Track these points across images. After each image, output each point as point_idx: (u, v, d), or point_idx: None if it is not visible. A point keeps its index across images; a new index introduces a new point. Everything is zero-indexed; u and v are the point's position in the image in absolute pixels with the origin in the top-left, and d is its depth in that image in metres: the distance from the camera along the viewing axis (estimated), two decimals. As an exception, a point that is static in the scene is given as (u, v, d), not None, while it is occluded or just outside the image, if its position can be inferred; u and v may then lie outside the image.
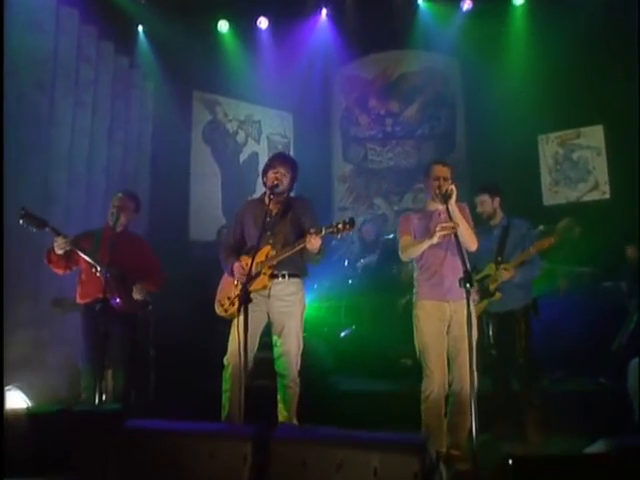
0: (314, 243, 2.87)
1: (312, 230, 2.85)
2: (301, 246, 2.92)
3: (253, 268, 2.88)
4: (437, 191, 2.97)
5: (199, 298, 3.78)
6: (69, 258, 3.37)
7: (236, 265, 3.08)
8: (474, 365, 2.55)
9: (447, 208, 2.85)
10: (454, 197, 2.88)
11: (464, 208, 3.09)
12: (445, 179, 3.04)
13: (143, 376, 3.52)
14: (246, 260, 3.05)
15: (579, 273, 4.69)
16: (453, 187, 2.90)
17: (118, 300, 3.32)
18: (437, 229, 2.81)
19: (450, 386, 2.94)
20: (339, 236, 2.83)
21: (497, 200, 3.72)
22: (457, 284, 2.56)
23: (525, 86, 5.91)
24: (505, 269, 3.50)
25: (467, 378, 2.67)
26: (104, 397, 3.11)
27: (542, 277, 3.72)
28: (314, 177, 6.58)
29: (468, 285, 2.46)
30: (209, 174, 6.48)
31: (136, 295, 3.36)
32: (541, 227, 4.53)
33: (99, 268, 3.24)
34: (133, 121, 5.88)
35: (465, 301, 2.54)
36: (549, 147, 6.41)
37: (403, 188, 7.10)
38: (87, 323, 3.10)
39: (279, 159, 3.25)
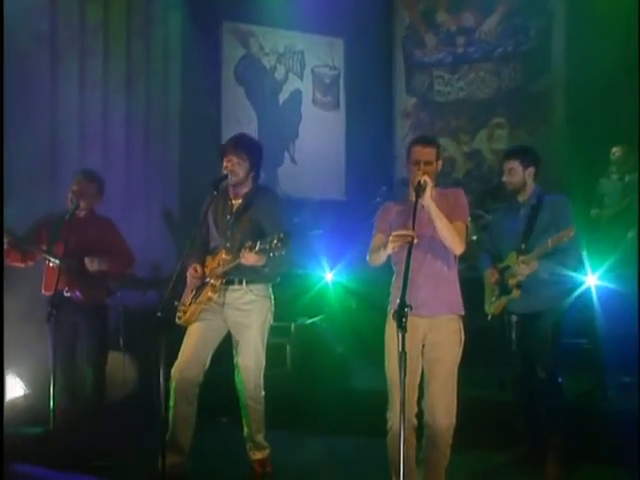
0: (248, 258, 2.70)
1: (247, 244, 2.70)
2: (236, 262, 2.77)
3: (206, 275, 2.84)
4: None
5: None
6: (22, 249, 3.26)
7: (189, 271, 2.93)
8: (452, 394, 2.47)
9: (421, 205, 2.45)
10: (429, 190, 2.45)
11: (458, 196, 2.67)
12: (427, 163, 2.58)
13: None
14: (201, 265, 2.93)
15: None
16: (427, 178, 2.46)
17: (78, 293, 3.23)
18: (390, 238, 2.43)
19: (422, 417, 2.63)
20: (272, 254, 2.61)
21: (531, 170, 3.15)
22: (437, 296, 2.41)
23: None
24: (523, 262, 3.02)
25: (442, 409, 2.53)
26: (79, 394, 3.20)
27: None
28: (372, 114, 6.27)
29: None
30: (243, 120, 6.14)
31: (90, 267, 3.24)
32: None
33: (52, 260, 3.14)
34: (156, 64, 5.46)
35: (446, 318, 2.41)
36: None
37: (476, 124, 6.37)
38: (53, 315, 2.99)
39: (231, 144, 2.95)
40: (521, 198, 3.17)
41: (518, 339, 3.18)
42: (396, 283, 2.65)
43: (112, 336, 3.84)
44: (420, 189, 2.45)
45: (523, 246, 3.05)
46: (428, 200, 2.47)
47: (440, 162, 2.66)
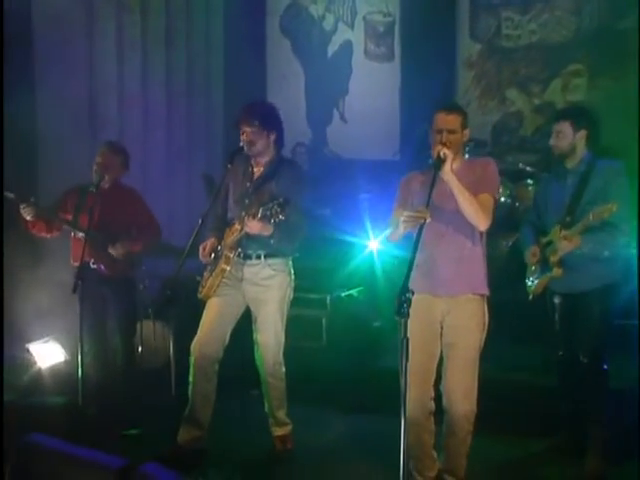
0: (252, 227, 2.69)
1: (250, 212, 2.68)
2: (243, 232, 2.75)
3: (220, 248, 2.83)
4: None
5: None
6: (47, 220, 3.31)
7: (202, 245, 2.91)
8: (472, 379, 2.46)
9: (440, 178, 2.37)
10: (449, 163, 2.36)
11: (487, 166, 2.57)
12: (450, 131, 2.49)
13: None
14: (218, 239, 2.90)
15: None
16: (446, 150, 2.37)
17: (102, 267, 3.29)
18: (402, 218, 2.36)
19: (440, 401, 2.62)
20: (273, 221, 2.57)
21: (582, 134, 2.94)
22: (458, 274, 2.40)
23: None
24: (565, 237, 2.81)
25: (459, 395, 2.50)
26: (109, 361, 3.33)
27: None
28: (431, 65, 5.77)
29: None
30: (290, 76, 5.86)
31: (112, 251, 3.29)
32: None
33: (78, 233, 3.20)
34: (197, 19, 5.30)
35: (467, 298, 2.43)
36: None
37: (549, 73, 5.67)
38: (80, 287, 3.07)
39: (245, 115, 2.85)
40: (569, 164, 2.95)
41: (561, 321, 2.99)
42: (420, 256, 2.47)
43: (147, 305, 3.88)
44: (439, 162, 2.36)
45: (568, 219, 2.84)
46: (448, 173, 2.38)
47: (467, 131, 2.57)
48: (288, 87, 5.86)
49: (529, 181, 4.83)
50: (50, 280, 3.59)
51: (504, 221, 4.23)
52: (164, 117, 5.02)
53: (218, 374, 2.95)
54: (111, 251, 3.28)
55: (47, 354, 3.70)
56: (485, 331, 2.56)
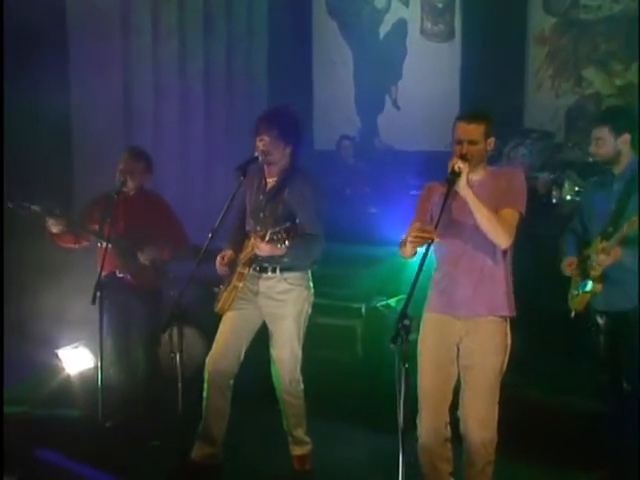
0: (261, 249, 2.65)
1: (259, 232, 2.63)
2: (253, 252, 2.75)
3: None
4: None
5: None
6: (74, 233, 3.34)
7: (220, 255, 2.90)
8: (490, 406, 2.41)
9: (453, 193, 2.33)
10: (464, 178, 2.31)
11: (513, 178, 2.49)
12: (471, 142, 2.40)
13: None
14: (234, 252, 2.90)
15: None
16: (461, 164, 2.30)
17: (128, 276, 3.35)
18: (409, 238, 2.34)
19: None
20: (280, 245, 2.53)
21: (625, 138, 2.81)
22: (477, 294, 2.41)
23: None
24: (604, 250, 2.72)
25: (476, 422, 2.44)
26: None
27: None
28: (497, 43, 5.42)
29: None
30: (338, 61, 5.70)
31: (142, 259, 3.34)
32: None
33: (103, 243, 3.20)
34: (237, 2, 5.12)
35: (486, 320, 2.42)
36: None
37: (634, 49, 5.06)
38: (106, 296, 3.12)
39: (263, 121, 2.80)
40: (616, 170, 2.84)
41: (603, 341, 2.89)
42: (436, 275, 2.57)
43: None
44: (455, 176, 2.29)
45: (610, 229, 2.73)
46: (465, 188, 2.33)
47: (491, 140, 2.49)
48: (336, 73, 5.74)
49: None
50: (81, 286, 3.54)
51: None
52: (202, 110, 4.90)
53: (233, 389, 2.96)
54: (140, 257, 3.30)
55: (76, 360, 3.75)
56: (507, 354, 2.52)
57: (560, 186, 4.19)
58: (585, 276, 2.83)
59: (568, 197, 4.10)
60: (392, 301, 4.05)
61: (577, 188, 4.23)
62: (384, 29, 5.76)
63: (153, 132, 4.56)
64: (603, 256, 2.70)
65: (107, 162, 3.92)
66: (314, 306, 2.98)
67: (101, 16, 4.22)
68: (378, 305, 4.00)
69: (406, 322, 2.02)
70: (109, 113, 4.25)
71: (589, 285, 2.79)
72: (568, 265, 2.87)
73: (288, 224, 2.54)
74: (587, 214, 2.94)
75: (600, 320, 2.86)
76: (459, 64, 5.61)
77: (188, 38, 4.78)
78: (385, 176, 5.09)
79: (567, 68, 5.59)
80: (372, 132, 5.58)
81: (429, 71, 5.62)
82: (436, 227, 2.28)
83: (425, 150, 5.30)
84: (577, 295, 2.88)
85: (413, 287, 2.09)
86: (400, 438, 2.06)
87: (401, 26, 5.72)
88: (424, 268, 2.24)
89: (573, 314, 2.90)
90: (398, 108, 5.75)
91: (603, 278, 2.75)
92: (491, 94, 5.26)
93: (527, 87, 5.64)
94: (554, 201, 4.28)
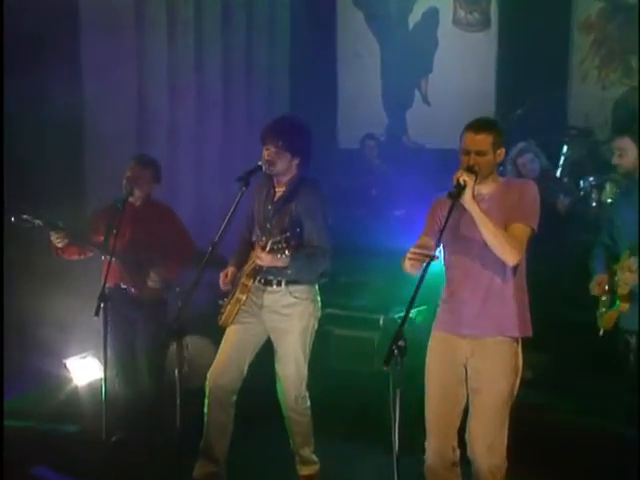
0: (262, 259, 2.64)
1: (260, 242, 2.70)
2: (255, 263, 2.74)
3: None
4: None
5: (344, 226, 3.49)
6: (78, 245, 3.31)
7: (223, 272, 2.90)
8: (497, 431, 2.39)
9: (461, 207, 2.31)
10: (469, 191, 2.27)
11: (525, 190, 2.45)
12: (479, 153, 2.35)
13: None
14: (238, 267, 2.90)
15: None
16: (466, 177, 2.26)
17: (133, 290, 3.33)
18: (408, 255, 2.33)
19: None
20: (280, 256, 2.56)
21: None
22: (484, 313, 2.39)
23: None
24: (629, 268, 2.72)
25: (482, 448, 2.41)
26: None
27: None
28: (536, 32, 5.20)
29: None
30: (363, 54, 5.58)
31: (151, 284, 3.32)
32: None
33: (106, 255, 3.15)
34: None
35: (494, 340, 2.39)
36: None
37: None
38: (110, 308, 3.09)
39: (269, 131, 2.79)
40: None
41: (633, 361, 2.85)
42: (444, 292, 2.54)
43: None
44: (460, 189, 2.24)
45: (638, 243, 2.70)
46: (470, 202, 2.29)
47: (501, 151, 2.42)
48: (361, 66, 5.61)
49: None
50: (89, 294, 3.45)
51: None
52: (220, 107, 4.77)
53: (237, 405, 2.94)
54: (148, 281, 3.28)
55: (84, 370, 3.74)
56: (518, 377, 2.47)
57: (600, 189, 4.06)
58: (613, 293, 2.82)
59: (609, 200, 3.93)
60: (412, 313, 3.93)
61: (617, 190, 4.04)
62: (413, 19, 5.63)
63: (169, 132, 4.46)
64: (628, 274, 2.71)
65: (120, 166, 3.86)
66: (331, 317, 2.95)
67: (114, 11, 4.11)
68: (396, 317, 3.93)
69: (401, 343, 2.01)
70: (122, 113, 4.15)
71: (617, 303, 2.78)
72: (598, 284, 2.85)
73: (288, 234, 2.55)
74: (616, 227, 2.92)
75: (630, 339, 2.84)
76: (495, 55, 5.45)
77: (205, 29, 4.66)
78: (413, 176, 4.90)
79: (614, 57, 5.40)
80: (400, 129, 5.46)
81: (462, 63, 5.47)
82: (438, 244, 2.28)
83: (456, 149, 5.15)
84: (605, 312, 2.87)
85: (409, 308, 2.10)
86: (395, 461, 2.06)
87: (432, 15, 5.56)
88: (436, 284, 2.24)
89: (602, 332, 2.89)
90: (428, 104, 5.64)
91: (630, 297, 2.73)
92: (530, 88, 5.14)
93: (571, 79, 5.42)
94: (593, 204, 4.10)
